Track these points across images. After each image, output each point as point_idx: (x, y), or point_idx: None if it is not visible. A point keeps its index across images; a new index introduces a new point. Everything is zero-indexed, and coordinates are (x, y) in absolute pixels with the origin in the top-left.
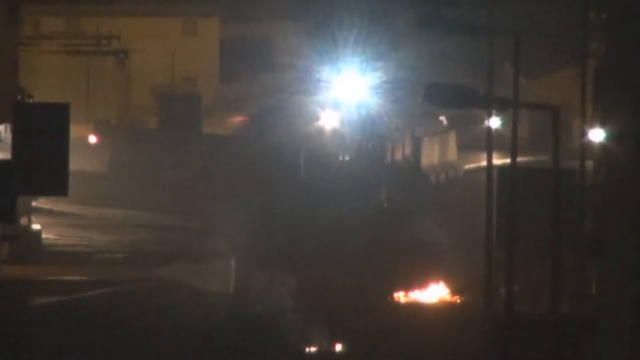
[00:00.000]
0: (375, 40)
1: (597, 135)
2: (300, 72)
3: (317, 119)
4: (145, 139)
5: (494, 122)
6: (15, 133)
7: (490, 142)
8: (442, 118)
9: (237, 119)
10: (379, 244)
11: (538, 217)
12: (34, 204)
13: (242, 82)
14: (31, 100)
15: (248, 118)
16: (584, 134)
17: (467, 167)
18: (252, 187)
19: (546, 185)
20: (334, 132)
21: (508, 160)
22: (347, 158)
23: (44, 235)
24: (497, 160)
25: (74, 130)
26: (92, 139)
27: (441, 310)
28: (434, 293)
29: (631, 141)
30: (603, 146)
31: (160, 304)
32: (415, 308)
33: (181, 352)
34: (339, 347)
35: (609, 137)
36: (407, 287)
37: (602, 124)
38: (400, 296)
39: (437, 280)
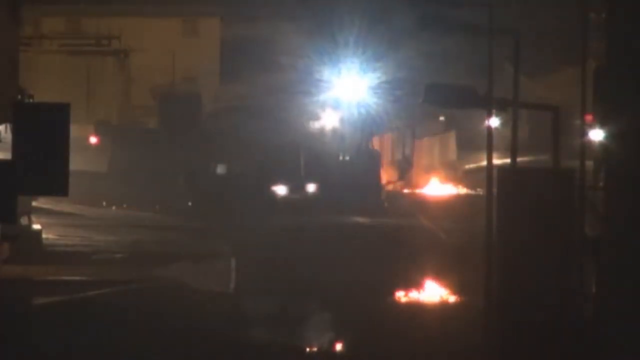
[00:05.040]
0: (375, 41)
1: (597, 135)
2: (301, 72)
3: (318, 118)
4: (145, 139)
5: (494, 122)
6: (15, 133)
7: (490, 142)
8: (442, 118)
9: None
10: (380, 243)
11: (538, 217)
12: (34, 204)
13: (242, 82)
14: (31, 100)
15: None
16: (584, 134)
17: (467, 167)
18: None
19: (546, 185)
20: (334, 131)
21: (508, 160)
22: (347, 158)
23: (44, 235)
24: (497, 160)
25: (74, 130)
26: (93, 139)
27: (441, 311)
28: (434, 293)
29: (631, 141)
30: (603, 146)
31: (160, 303)
32: (415, 308)
33: (182, 352)
34: (339, 347)
35: (609, 137)
36: (408, 284)
37: (602, 124)
38: (401, 296)
39: (436, 278)
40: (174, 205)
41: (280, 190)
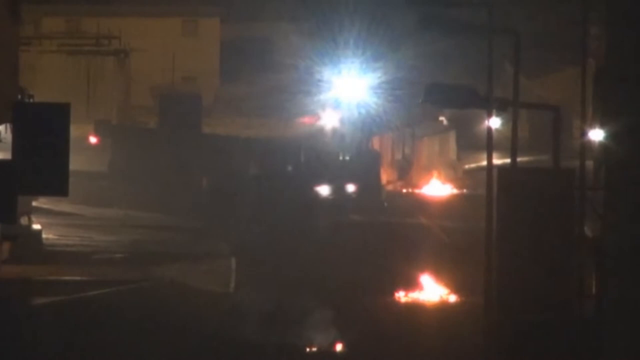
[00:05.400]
0: (375, 41)
1: (597, 135)
2: (301, 72)
3: (318, 118)
4: (145, 139)
5: (494, 122)
6: (15, 133)
7: (490, 142)
8: (442, 118)
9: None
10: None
11: (538, 217)
12: (34, 204)
13: (242, 82)
14: (31, 100)
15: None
16: (584, 134)
17: (467, 167)
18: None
19: (546, 185)
20: (334, 131)
21: (508, 160)
22: (347, 157)
23: (44, 235)
24: (497, 160)
25: (74, 130)
26: (93, 139)
27: (441, 310)
28: (435, 292)
29: (631, 141)
30: (603, 146)
31: (160, 303)
32: (416, 307)
33: (181, 352)
34: (339, 347)
35: (609, 137)
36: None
37: (602, 124)
38: (401, 295)
39: (437, 278)
40: (175, 206)
41: (323, 190)
